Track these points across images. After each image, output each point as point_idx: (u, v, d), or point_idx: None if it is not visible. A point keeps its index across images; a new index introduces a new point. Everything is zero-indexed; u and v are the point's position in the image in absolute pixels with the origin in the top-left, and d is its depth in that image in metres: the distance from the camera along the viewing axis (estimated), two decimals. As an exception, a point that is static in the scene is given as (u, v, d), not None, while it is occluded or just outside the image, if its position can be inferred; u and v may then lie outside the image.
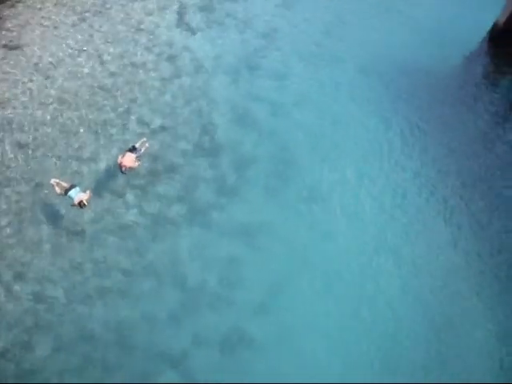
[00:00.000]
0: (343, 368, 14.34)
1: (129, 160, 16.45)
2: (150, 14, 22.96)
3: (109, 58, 20.71)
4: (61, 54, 20.63)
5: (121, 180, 17.14)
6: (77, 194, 15.43)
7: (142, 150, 17.04)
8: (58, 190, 15.70)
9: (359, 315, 15.19)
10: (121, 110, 19.07)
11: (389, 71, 22.07)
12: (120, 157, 16.52)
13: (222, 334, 14.69)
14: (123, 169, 16.46)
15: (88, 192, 15.62)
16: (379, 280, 15.88)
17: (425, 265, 16.32)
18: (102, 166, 17.47)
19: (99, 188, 16.91)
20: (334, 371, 14.24)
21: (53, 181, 16.03)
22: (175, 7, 23.46)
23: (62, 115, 18.74)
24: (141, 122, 18.74)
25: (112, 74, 20.15)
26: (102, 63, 20.50)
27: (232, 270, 15.78)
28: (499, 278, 16.24)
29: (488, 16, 24.44)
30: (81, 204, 15.33)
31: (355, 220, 17.09)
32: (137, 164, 16.69)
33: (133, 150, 16.72)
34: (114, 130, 18.41)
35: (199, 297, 15.26)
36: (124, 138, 18.16)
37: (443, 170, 18.85)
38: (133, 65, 20.68)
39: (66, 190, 15.57)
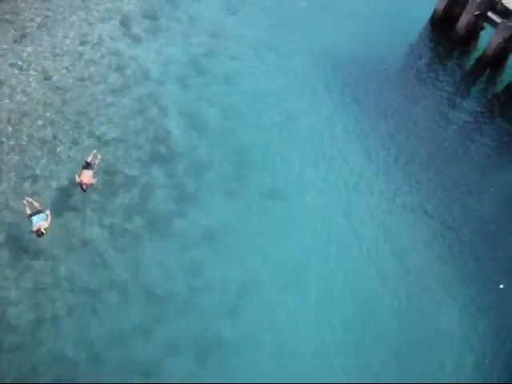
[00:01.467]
0: (316, 361, 14.52)
1: (87, 177, 16.39)
2: (93, 25, 22.68)
3: (54, 72, 20.35)
4: (3, 72, 20.20)
5: (78, 196, 16.88)
6: (37, 221, 15.16)
7: (97, 163, 16.94)
8: (28, 210, 15.44)
9: (328, 309, 15.37)
10: (71, 124, 18.77)
11: (338, 64, 22.55)
12: (77, 176, 16.41)
13: (194, 340, 14.65)
14: (84, 186, 16.34)
15: (48, 219, 15.39)
16: (344, 274, 16.12)
17: (390, 261, 16.63)
18: (57, 183, 17.17)
19: (56, 206, 16.60)
20: (308, 366, 14.41)
21: (25, 200, 15.77)
22: (118, 17, 23.27)
23: (10, 135, 18.35)
24: (92, 135, 18.51)
25: (59, 89, 19.82)
26: (48, 79, 20.12)
27: (197, 275, 15.75)
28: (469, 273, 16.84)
29: (428, 4, 25.25)
30: (38, 232, 15.10)
31: (316, 216, 17.32)
32: (95, 180, 16.67)
33: (88, 166, 16.63)
34: (65, 146, 18.09)
35: (167, 305, 15.18)
36: (76, 153, 17.89)
37: (394, 154, 19.38)
38: (79, 78, 20.39)
39: (32, 214, 15.33)
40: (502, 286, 16.21)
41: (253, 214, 17.09)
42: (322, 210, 17.45)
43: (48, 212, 15.43)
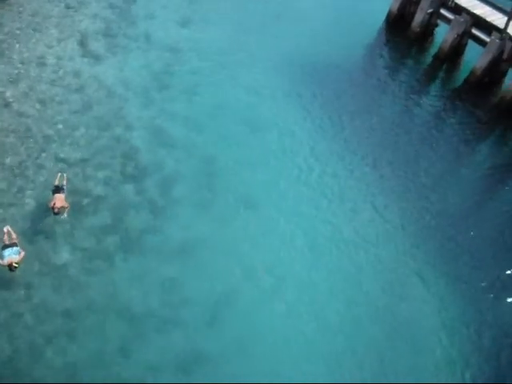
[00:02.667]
0: (301, 369, 14.55)
1: (60, 200, 16.26)
2: (50, 46, 22.48)
3: (13, 98, 20.05)
4: (-40, 100, 19.89)
5: (48, 220, 16.63)
6: (9, 255, 14.85)
7: (65, 184, 16.80)
8: (6, 239, 15.17)
9: (308, 317, 15.36)
10: (35, 149, 18.48)
11: (299, 70, 22.84)
12: (50, 201, 16.27)
13: (176, 357, 14.49)
14: (56, 210, 16.14)
15: (22, 254, 15.14)
16: (322, 279, 16.16)
17: (368, 267, 16.73)
18: (26, 208, 16.85)
19: (27, 232, 16.33)
20: (294, 374, 14.43)
21: (5, 228, 15.52)
22: (76, 37, 23.14)
23: (-26, 164, 18.08)
24: (58, 158, 18.26)
25: (20, 114, 19.51)
26: (7, 105, 19.79)
27: (175, 290, 15.63)
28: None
29: (382, 4, 25.72)
30: (10, 267, 14.78)
31: (290, 222, 17.38)
32: (67, 204, 16.51)
33: (59, 189, 16.52)
34: (31, 171, 17.81)
35: (146, 324, 15.00)
36: (43, 178, 17.63)
37: (360, 156, 19.64)
38: (40, 101, 20.15)
39: (4, 246, 15.05)
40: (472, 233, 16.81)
41: (226, 225, 17.07)
42: (294, 217, 17.53)
43: (22, 251, 15.17)
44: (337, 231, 17.28)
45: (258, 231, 17.07)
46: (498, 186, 19.86)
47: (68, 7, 24.80)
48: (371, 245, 17.06)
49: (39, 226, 16.59)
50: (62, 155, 18.41)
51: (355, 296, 15.87)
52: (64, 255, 16.03)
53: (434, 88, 23.53)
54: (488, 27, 22.07)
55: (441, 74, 24.03)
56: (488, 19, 22.00)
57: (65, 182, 16.93)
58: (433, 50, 24.56)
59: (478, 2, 22.46)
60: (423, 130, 21.01)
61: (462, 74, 23.55)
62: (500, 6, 21.71)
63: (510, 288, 16.36)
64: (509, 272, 16.70)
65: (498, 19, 21.73)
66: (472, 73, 22.80)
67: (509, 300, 16.09)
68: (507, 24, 21.03)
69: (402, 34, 25.14)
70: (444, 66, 24.00)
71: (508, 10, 20.94)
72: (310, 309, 15.50)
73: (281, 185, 18.38)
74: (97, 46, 22.81)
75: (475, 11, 22.38)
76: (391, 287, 16.17)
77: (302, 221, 17.47)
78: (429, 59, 24.39)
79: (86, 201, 17.25)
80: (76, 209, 16.88)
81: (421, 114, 21.72)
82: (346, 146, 19.88)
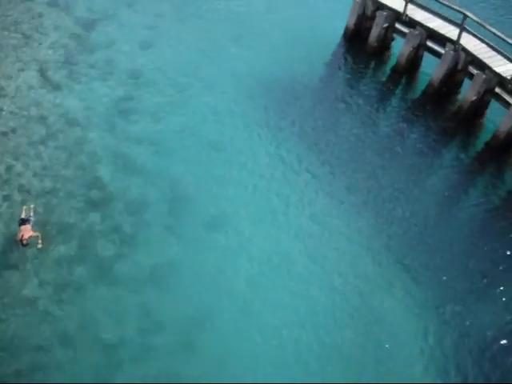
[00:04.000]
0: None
1: (27, 231, 16.14)
2: (9, 77, 22.31)
3: (-26, 131, 19.89)
4: None
5: (15, 253, 16.41)
6: None
7: (32, 215, 16.67)
8: None
9: (284, 337, 15.36)
10: (-2, 181, 18.38)
11: (259, 90, 22.98)
12: (18, 235, 16.13)
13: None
14: (24, 242, 15.98)
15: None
16: (297, 300, 16.17)
17: (349, 276, 16.83)
18: (-9, 243, 16.69)
19: (-7, 266, 16.14)
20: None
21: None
22: (35, 66, 23.02)
23: None
24: (22, 190, 18.07)
25: (-19, 147, 19.36)
26: (-32, 139, 19.62)
27: (148, 317, 15.51)
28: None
29: (339, 21, 26.20)
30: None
31: (261, 242, 17.44)
32: (36, 233, 16.37)
33: (25, 221, 16.40)
34: (-5, 204, 17.67)
35: (120, 353, 14.85)
36: (8, 210, 17.43)
37: (324, 172, 19.83)
38: (1, 133, 19.96)
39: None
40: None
41: (196, 248, 17.06)
42: (263, 236, 17.60)
43: None
44: (308, 248, 17.37)
45: (229, 253, 17.09)
46: (462, 192, 20.27)
47: (26, 36, 24.63)
48: (342, 259, 17.20)
49: (5, 259, 16.35)
50: (26, 186, 18.22)
51: (332, 313, 15.97)
52: (33, 288, 15.82)
53: (394, 100, 23.98)
54: (442, 39, 22.64)
55: (400, 86, 24.50)
56: (441, 32, 22.57)
57: (32, 213, 16.79)
58: (390, 64, 25.06)
59: (431, 16, 23.03)
60: (386, 142, 21.37)
61: (420, 85, 24.06)
62: (452, 19, 22.29)
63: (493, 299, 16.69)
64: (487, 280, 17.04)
65: (450, 31, 22.31)
66: (430, 84, 23.32)
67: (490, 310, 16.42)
68: (459, 36, 21.61)
69: (359, 48, 25.62)
70: (402, 79, 24.49)
71: (459, 22, 21.53)
72: (286, 330, 15.52)
73: (248, 205, 18.46)
74: (57, 74, 22.69)
75: (429, 24, 22.95)
76: (366, 301, 16.33)
77: (272, 239, 17.54)
78: (387, 72, 24.88)
79: (53, 231, 17.07)
80: (43, 240, 16.65)
81: (383, 127, 22.12)
82: (310, 161, 20.09)
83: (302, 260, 17.07)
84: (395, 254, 17.46)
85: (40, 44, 24.28)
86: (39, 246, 16.44)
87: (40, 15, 26.14)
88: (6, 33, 24.74)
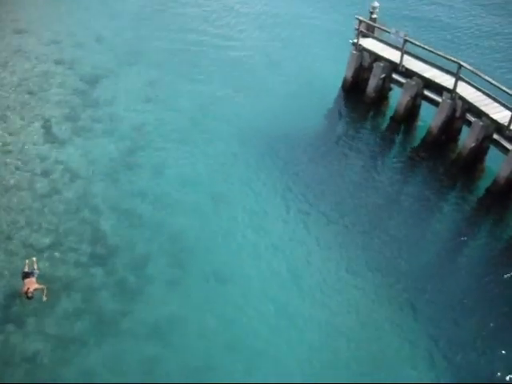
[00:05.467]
0: None
1: (32, 284, 16.14)
2: (14, 133, 22.77)
3: (-22, 186, 20.14)
4: None
5: (17, 308, 16.34)
6: None
7: (36, 268, 16.68)
8: None
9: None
10: (2, 237, 18.37)
11: (260, 141, 23.32)
12: (22, 288, 16.10)
13: None
14: (29, 295, 15.96)
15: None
16: (299, 350, 15.95)
17: (356, 326, 16.59)
18: (-6, 298, 16.66)
19: (-6, 322, 16.06)
20: None
21: None
22: (39, 122, 23.53)
23: None
24: (25, 244, 18.15)
25: (-15, 202, 19.56)
26: (-28, 194, 19.86)
27: (151, 371, 15.29)
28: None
29: (337, 72, 26.78)
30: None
31: (267, 294, 17.28)
32: (41, 286, 16.35)
33: (29, 274, 16.39)
34: (-1, 259, 17.73)
35: (123, 409, 14.65)
36: (11, 265, 17.45)
37: (328, 221, 19.86)
38: (5, 188, 20.21)
39: None
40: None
41: (200, 301, 16.92)
42: (267, 289, 17.45)
43: None
44: (314, 299, 17.21)
45: (233, 306, 16.91)
46: (465, 238, 20.20)
47: (31, 93, 25.32)
48: (349, 309, 17.04)
49: (8, 314, 16.27)
50: (29, 241, 18.31)
51: (346, 362, 15.75)
52: (35, 344, 15.66)
53: (394, 148, 24.24)
54: (438, 88, 23.04)
55: (399, 135, 24.82)
56: (438, 81, 22.99)
57: (35, 266, 16.83)
58: (389, 113, 25.45)
59: (427, 66, 23.49)
60: (387, 190, 21.48)
61: (420, 133, 24.36)
62: (447, 68, 22.74)
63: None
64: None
65: (446, 80, 22.71)
66: (428, 132, 23.60)
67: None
68: (455, 84, 22.01)
69: (358, 99, 26.09)
70: (401, 127, 24.82)
71: (455, 71, 21.95)
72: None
73: (252, 257, 18.41)
74: (61, 130, 23.14)
75: (425, 74, 23.41)
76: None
77: (276, 291, 17.41)
78: (386, 122, 25.25)
79: (56, 286, 17.01)
80: (46, 295, 16.59)
81: (383, 175, 22.27)
82: (312, 212, 20.15)
83: (307, 312, 16.88)
84: (399, 302, 17.29)
85: (45, 101, 24.87)
86: (44, 298, 16.39)
87: (45, 73, 26.91)
88: (12, 90, 25.44)
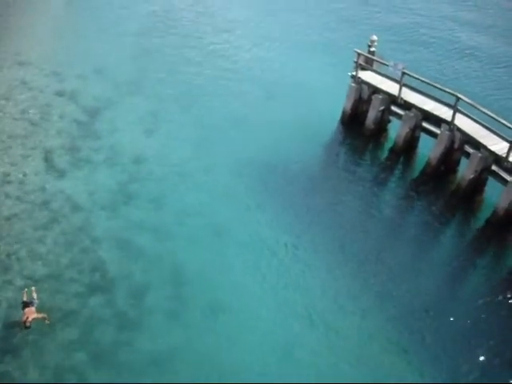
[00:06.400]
0: None
1: (31, 313, 16.08)
2: (15, 164, 22.86)
3: (-22, 216, 20.12)
4: None
5: (15, 338, 16.18)
6: None
7: (35, 297, 16.59)
8: None
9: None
10: (1, 266, 18.29)
11: (259, 172, 23.40)
12: (22, 317, 16.04)
13: None
14: (28, 324, 15.90)
15: None
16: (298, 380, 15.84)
17: (357, 364, 16.36)
18: (-9, 328, 16.50)
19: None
20: None
21: None
22: (40, 152, 23.65)
23: None
24: (25, 274, 18.07)
25: (-15, 232, 19.52)
26: (-28, 223, 19.84)
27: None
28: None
29: (335, 104, 27.05)
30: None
31: (265, 326, 17.13)
32: (41, 315, 16.28)
33: (28, 304, 16.30)
34: (-4, 289, 17.61)
35: None
36: (10, 295, 17.35)
37: (328, 254, 19.81)
38: (5, 218, 20.20)
39: None
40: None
41: (197, 334, 16.75)
42: (266, 322, 17.30)
43: None
44: (314, 333, 17.04)
45: (231, 339, 16.74)
46: (465, 269, 20.17)
47: (33, 124, 25.51)
48: (349, 346, 16.87)
49: (5, 344, 16.10)
50: (28, 271, 18.23)
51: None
52: (31, 376, 15.47)
53: (394, 180, 24.33)
54: (437, 120, 23.25)
55: (398, 167, 24.95)
56: (436, 113, 23.21)
57: (35, 296, 16.74)
58: (388, 145, 25.63)
59: (425, 98, 23.75)
60: (387, 222, 21.52)
61: (419, 165, 24.49)
62: (445, 100, 22.99)
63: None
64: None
65: (444, 113, 22.93)
66: (428, 163, 23.74)
67: None
68: (453, 117, 22.22)
69: (357, 131, 26.29)
70: (401, 159, 24.96)
71: (452, 103, 22.19)
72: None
73: (250, 288, 18.31)
74: (61, 160, 23.24)
75: (423, 107, 23.64)
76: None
77: (275, 325, 17.25)
78: (385, 153, 25.40)
79: (54, 316, 16.87)
80: (45, 325, 16.48)
81: (383, 207, 22.33)
82: (312, 243, 20.11)
83: (307, 347, 16.69)
84: (402, 336, 17.15)
85: (46, 131, 25.04)
86: (47, 322, 16.41)
87: (47, 104, 27.15)
88: (14, 120, 25.64)
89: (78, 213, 20.68)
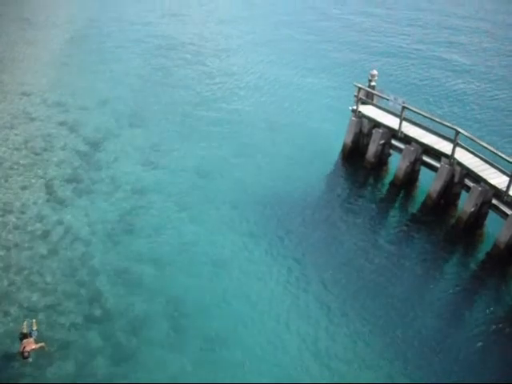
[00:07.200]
0: None
1: (29, 344, 15.97)
2: (16, 194, 22.92)
3: (-22, 245, 20.08)
4: None
5: (11, 370, 15.97)
6: None
7: (35, 329, 16.48)
8: None
9: None
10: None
11: (260, 206, 23.35)
12: (20, 348, 15.91)
13: None
14: (26, 354, 15.76)
15: None
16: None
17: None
18: (-12, 360, 16.31)
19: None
20: None
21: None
22: (41, 182, 23.75)
23: None
24: (23, 305, 17.94)
25: (-16, 263, 19.44)
26: (-28, 253, 19.78)
27: None
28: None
29: (336, 138, 27.24)
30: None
31: (267, 359, 16.93)
32: (39, 345, 16.15)
33: (27, 335, 16.21)
34: (-6, 320, 17.46)
35: None
36: (8, 326, 17.20)
37: (326, 293, 19.69)
38: (5, 248, 20.18)
39: None
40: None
41: (196, 366, 16.54)
42: (268, 354, 17.08)
43: None
44: (315, 367, 16.83)
45: (231, 371, 16.53)
46: (467, 305, 19.99)
47: (35, 154, 25.68)
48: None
49: (3, 374, 15.90)
50: (27, 302, 18.12)
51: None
52: (28, 409, 15.28)
53: (394, 213, 24.33)
54: (437, 154, 23.37)
55: (399, 200, 24.97)
56: (436, 147, 23.34)
57: (34, 328, 16.62)
58: (388, 178, 25.69)
59: (425, 132, 23.89)
60: (387, 255, 21.36)
61: (419, 198, 24.51)
62: (445, 134, 23.14)
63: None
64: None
65: (444, 146, 23.05)
66: (428, 196, 23.77)
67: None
68: (453, 150, 22.34)
69: (358, 164, 26.41)
70: (401, 192, 25.00)
71: (452, 138, 22.34)
72: None
73: (248, 320, 18.14)
74: (62, 191, 23.29)
75: (423, 140, 23.79)
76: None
77: (276, 357, 17.03)
78: (386, 186, 25.45)
79: (52, 347, 16.71)
80: (41, 357, 16.30)
81: (383, 240, 22.21)
82: (312, 277, 19.95)
83: (309, 379, 16.51)
84: (405, 372, 16.94)
85: (47, 162, 25.18)
86: (46, 349, 16.29)
87: (49, 134, 27.36)
88: (16, 151, 25.83)
89: (78, 243, 20.63)
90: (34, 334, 16.41)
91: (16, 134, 27.16)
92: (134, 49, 38.60)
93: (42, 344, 16.27)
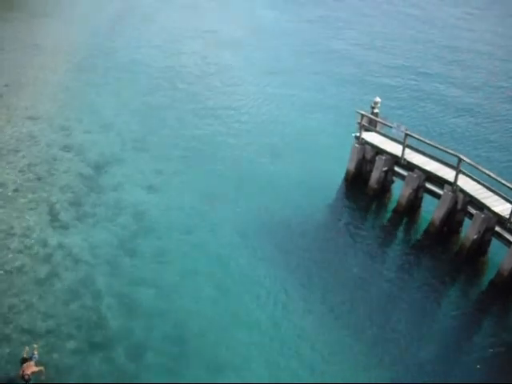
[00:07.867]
0: None
1: (29, 367, 15.80)
2: (19, 217, 22.92)
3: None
4: None
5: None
6: None
7: (36, 354, 16.27)
8: None
9: None
10: (0, 320, 18.11)
11: (263, 232, 23.36)
12: (19, 371, 15.74)
13: None
14: (26, 377, 15.60)
15: None
16: None
17: None
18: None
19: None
20: None
21: None
22: (44, 206, 23.76)
23: None
24: (24, 329, 17.83)
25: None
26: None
27: None
28: None
29: (339, 165, 27.33)
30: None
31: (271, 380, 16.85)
32: (39, 368, 16.00)
33: (27, 360, 16.05)
34: (-5, 345, 17.34)
35: None
36: (8, 350, 17.06)
37: (330, 317, 19.56)
38: (7, 271, 20.11)
39: None
40: None
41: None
42: (269, 379, 16.94)
43: None
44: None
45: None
46: (470, 333, 19.88)
47: (38, 178, 25.73)
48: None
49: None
50: (28, 326, 18.01)
51: None
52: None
53: (397, 240, 24.31)
54: (440, 181, 23.42)
55: (402, 227, 24.96)
56: (439, 174, 23.39)
57: (35, 352, 16.42)
58: (391, 205, 25.70)
59: (428, 159, 23.96)
60: (389, 283, 21.25)
61: (422, 225, 24.51)
62: (448, 161, 23.20)
63: None
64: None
65: (447, 173, 23.11)
66: (431, 224, 23.75)
67: None
68: (456, 177, 22.38)
69: (360, 191, 26.44)
70: (404, 219, 25.00)
71: (455, 165, 22.39)
72: None
73: (252, 347, 18.00)
74: (65, 214, 23.31)
75: (426, 167, 23.86)
76: None
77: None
78: (389, 213, 25.46)
79: (50, 373, 16.54)
80: (42, 380, 16.14)
81: (386, 267, 22.18)
82: (315, 304, 19.87)
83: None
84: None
85: (51, 185, 25.24)
86: (43, 377, 16.08)
87: (54, 158, 27.48)
88: (20, 174, 25.88)
89: (80, 267, 20.58)
90: (35, 357, 16.27)
91: (21, 158, 27.27)
92: (141, 74, 38.93)
93: (41, 368, 16.14)
